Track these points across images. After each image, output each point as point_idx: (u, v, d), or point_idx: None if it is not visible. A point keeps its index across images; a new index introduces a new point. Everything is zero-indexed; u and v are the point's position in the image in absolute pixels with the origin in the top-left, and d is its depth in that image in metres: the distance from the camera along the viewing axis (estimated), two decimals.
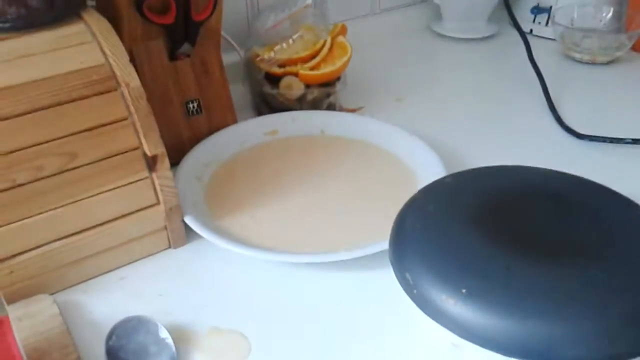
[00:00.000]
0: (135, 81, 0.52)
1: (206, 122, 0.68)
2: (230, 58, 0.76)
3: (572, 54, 0.91)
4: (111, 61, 0.52)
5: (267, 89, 0.73)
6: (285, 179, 0.64)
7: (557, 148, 0.70)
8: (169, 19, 0.62)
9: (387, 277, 0.52)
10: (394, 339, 0.47)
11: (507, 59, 0.95)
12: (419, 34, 1.03)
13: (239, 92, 0.77)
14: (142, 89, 0.52)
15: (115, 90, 0.52)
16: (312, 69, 0.73)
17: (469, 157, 0.68)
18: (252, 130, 0.70)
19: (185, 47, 0.65)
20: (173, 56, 0.65)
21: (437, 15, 1.03)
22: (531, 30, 0.99)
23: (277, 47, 0.73)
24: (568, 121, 0.74)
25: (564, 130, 0.73)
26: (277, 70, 0.73)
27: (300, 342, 0.47)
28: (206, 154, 0.66)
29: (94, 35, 0.53)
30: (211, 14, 0.64)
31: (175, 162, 0.60)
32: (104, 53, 0.53)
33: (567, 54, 0.91)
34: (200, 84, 0.67)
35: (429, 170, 0.62)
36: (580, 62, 0.90)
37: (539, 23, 0.98)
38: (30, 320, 0.46)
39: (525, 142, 0.72)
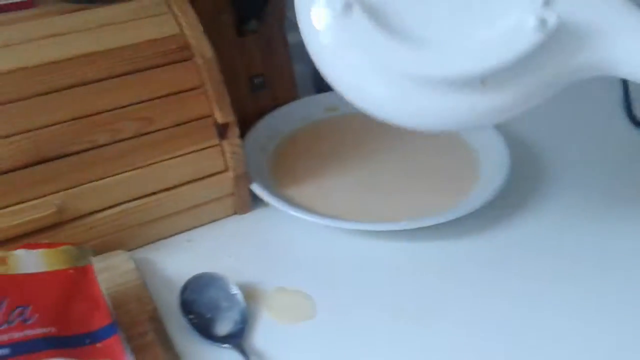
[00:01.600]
0: (209, 51, 0.54)
1: (270, 97, 0.70)
2: (294, 37, 0.78)
3: None
4: (186, 32, 0.54)
5: None
6: (346, 152, 0.65)
7: (624, 137, 0.69)
8: None
9: (447, 249, 0.54)
10: (453, 310, 0.48)
11: None
12: None
13: (301, 71, 0.78)
14: (215, 60, 0.54)
15: (190, 59, 0.54)
16: None
17: (532, 139, 0.67)
18: (313, 106, 0.72)
19: (252, 24, 0.67)
20: (241, 32, 0.67)
21: None
22: None
23: None
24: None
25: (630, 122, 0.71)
26: None
27: (362, 307, 0.48)
28: (270, 127, 0.67)
29: (169, 7, 0.56)
30: None
31: (240, 135, 0.61)
32: (179, 24, 0.55)
33: None
34: (265, 61, 0.69)
35: (490, 149, 0.62)
36: None
37: None
38: (109, 272, 0.48)
39: (591, 127, 0.70)
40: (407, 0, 0.39)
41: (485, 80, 0.38)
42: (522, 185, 0.60)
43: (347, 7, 0.38)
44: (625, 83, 0.74)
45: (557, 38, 0.37)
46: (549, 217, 0.57)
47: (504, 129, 0.64)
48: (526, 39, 0.37)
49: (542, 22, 0.36)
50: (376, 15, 0.39)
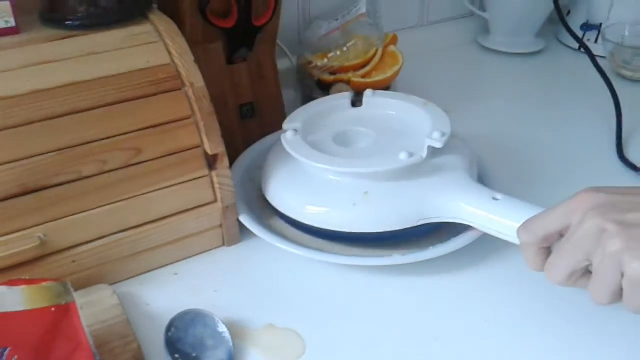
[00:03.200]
0: (199, 81, 0.53)
1: (259, 125, 0.69)
2: (281, 64, 0.77)
3: (623, 72, 0.90)
4: (176, 61, 0.54)
5: (318, 95, 0.74)
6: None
7: (606, 167, 0.70)
8: (230, 22, 0.63)
9: (437, 283, 0.53)
10: (447, 344, 0.47)
11: (555, 75, 0.95)
12: (466, 47, 1.03)
13: (290, 98, 0.78)
14: (205, 89, 0.53)
15: (180, 89, 0.53)
16: (363, 76, 0.74)
17: (516, 171, 0.68)
18: None
19: (242, 52, 0.66)
20: (230, 60, 0.66)
21: (485, 29, 1.03)
22: (580, 47, 0.98)
23: (331, 55, 0.74)
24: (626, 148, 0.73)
25: (618, 158, 0.71)
26: (328, 77, 0.75)
27: (352, 344, 0.47)
28: (259, 156, 0.67)
29: (160, 35, 0.55)
30: (270, 19, 0.66)
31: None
32: (169, 53, 0.54)
33: (617, 71, 0.91)
34: (254, 88, 0.69)
35: (480, 179, 0.62)
36: (630, 79, 0.89)
37: (589, 40, 0.97)
38: (92, 308, 0.47)
39: (575, 158, 0.71)
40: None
41: (367, 192, 0.53)
42: None
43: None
44: (619, 126, 0.75)
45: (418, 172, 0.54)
46: None
47: (497, 164, 0.64)
48: (395, 161, 0.53)
49: (410, 155, 0.52)
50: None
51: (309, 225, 0.55)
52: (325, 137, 0.59)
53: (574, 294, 0.51)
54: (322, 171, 0.55)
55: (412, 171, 0.53)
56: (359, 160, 0.55)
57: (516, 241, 0.44)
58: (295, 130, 0.58)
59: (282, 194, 0.57)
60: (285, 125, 0.59)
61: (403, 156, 0.52)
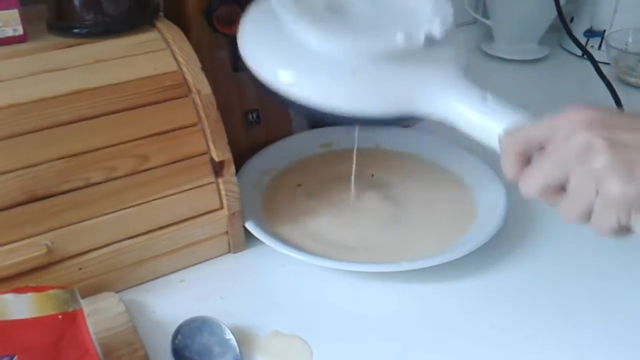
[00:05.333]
0: (206, 88, 0.53)
1: (264, 133, 0.69)
2: None
3: (626, 78, 0.90)
4: (183, 68, 0.54)
5: None
6: (340, 189, 0.64)
7: None
8: (236, 30, 0.63)
9: (444, 289, 0.53)
10: (453, 351, 0.47)
11: (558, 82, 0.95)
12: (470, 54, 1.03)
13: None
14: (212, 97, 0.53)
15: (187, 96, 0.53)
16: None
17: None
18: (307, 142, 0.71)
19: None
20: (236, 67, 0.66)
21: (489, 36, 1.04)
22: (583, 54, 0.98)
23: None
24: None
25: None
26: None
27: (359, 350, 0.47)
28: (264, 163, 0.67)
29: (167, 42, 0.55)
30: None
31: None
32: (176, 60, 0.54)
33: (620, 77, 0.91)
34: (260, 95, 0.69)
35: (485, 185, 0.62)
36: (635, 86, 0.89)
37: (592, 46, 0.97)
38: (98, 316, 0.47)
39: None
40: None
41: (355, 70, 0.48)
42: (519, 225, 0.60)
43: None
44: None
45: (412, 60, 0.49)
46: (545, 257, 0.56)
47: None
48: (392, 41, 0.48)
49: (408, 36, 0.47)
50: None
51: (290, 98, 0.49)
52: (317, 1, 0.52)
53: (578, 302, 0.51)
54: (312, 39, 0.49)
55: (406, 54, 0.48)
56: (352, 34, 0.49)
57: (496, 146, 0.43)
58: None
59: (264, 58, 0.51)
60: None
61: (400, 37, 0.48)
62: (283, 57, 0.50)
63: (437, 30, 0.49)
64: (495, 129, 0.44)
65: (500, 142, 0.42)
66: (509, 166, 0.41)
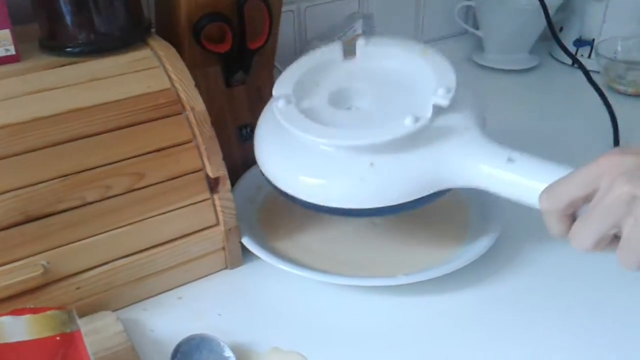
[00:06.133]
0: (200, 105, 0.54)
1: None
2: None
3: (616, 86, 0.91)
4: (177, 85, 0.54)
5: None
6: None
7: None
8: (225, 47, 0.63)
9: (442, 302, 0.53)
10: None
11: (550, 91, 0.96)
12: (460, 64, 1.03)
13: None
14: (206, 113, 0.54)
15: (181, 113, 0.53)
16: None
17: None
18: None
19: (239, 75, 0.67)
20: (229, 83, 0.66)
21: (479, 46, 1.04)
22: (573, 63, 0.99)
23: None
24: None
25: None
26: None
27: None
28: (258, 177, 0.66)
29: (160, 60, 0.55)
30: (265, 42, 0.66)
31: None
32: (169, 78, 0.55)
33: (610, 85, 0.92)
34: (253, 110, 0.69)
35: (480, 196, 0.62)
36: (624, 94, 0.90)
37: (582, 55, 0.98)
38: (97, 335, 0.47)
39: None
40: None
41: (373, 163, 0.48)
42: (515, 236, 0.60)
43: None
44: (615, 140, 0.75)
45: (429, 139, 0.48)
46: (541, 269, 0.57)
47: None
48: (402, 128, 0.47)
49: (416, 119, 0.47)
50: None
51: (315, 204, 0.51)
52: (320, 99, 0.53)
53: (576, 312, 0.51)
54: (322, 144, 0.50)
55: (419, 134, 0.48)
56: (361, 131, 0.49)
57: (537, 204, 0.42)
58: (288, 98, 0.52)
59: (284, 171, 0.52)
60: (275, 92, 0.54)
61: (408, 121, 0.47)
62: (299, 169, 0.51)
63: (443, 99, 0.48)
64: (528, 186, 0.44)
65: (540, 201, 0.41)
66: (555, 226, 0.41)
